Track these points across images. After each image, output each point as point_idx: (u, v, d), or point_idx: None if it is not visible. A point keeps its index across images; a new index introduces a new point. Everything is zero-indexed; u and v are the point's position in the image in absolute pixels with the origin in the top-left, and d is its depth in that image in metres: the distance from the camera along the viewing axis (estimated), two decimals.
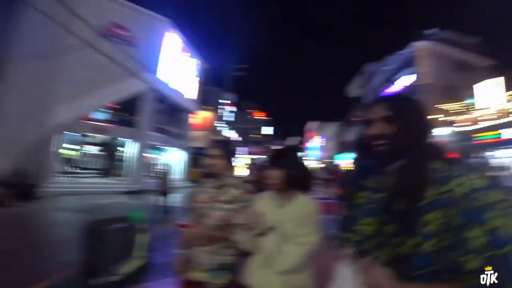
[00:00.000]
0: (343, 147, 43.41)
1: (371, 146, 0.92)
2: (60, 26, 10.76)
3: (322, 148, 60.12)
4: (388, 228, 0.87)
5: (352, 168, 4.65)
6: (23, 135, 13.17)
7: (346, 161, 40.92)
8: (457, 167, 0.84)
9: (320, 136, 61.63)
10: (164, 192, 8.64)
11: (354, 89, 40.83)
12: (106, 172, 16.70)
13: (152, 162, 19.80)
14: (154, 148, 19.18)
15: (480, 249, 0.69)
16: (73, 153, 15.37)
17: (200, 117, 29.96)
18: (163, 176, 9.32)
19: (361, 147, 1.01)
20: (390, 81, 29.57)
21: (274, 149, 2.05)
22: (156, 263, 3.93)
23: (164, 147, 20.35)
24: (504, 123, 13.20)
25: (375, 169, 0.97)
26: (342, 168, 15.15)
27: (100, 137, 16.29)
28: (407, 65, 26.97)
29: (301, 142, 74.12)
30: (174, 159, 22.09)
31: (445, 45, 26.28)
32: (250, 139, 68.87)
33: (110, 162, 17.34)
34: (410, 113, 0.90)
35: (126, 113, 16.60)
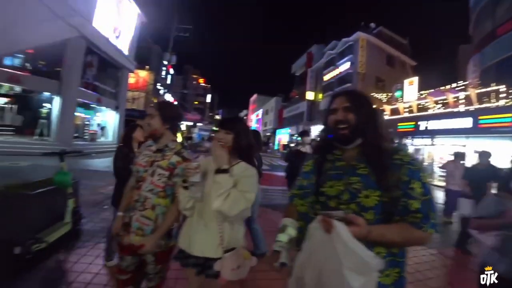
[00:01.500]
0: (282, 122, 45.17)
1: (335, 129, 1.20)
2: None
3: (259, 121, 61.63)
4: (355, 186, 1.13)
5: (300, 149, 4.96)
6: None
7: (283, 135, 42.70)
8: (398, 145, 1.29)
9: (259, 109, 62.69)
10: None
11: (298, 67, 42.21)
12: (21, 129, 14.43)
13: (83, 122, 17.90)
14: (85, 106, 17.23)
15: (419, 195, 1.06)
16: None
17: (138, 76, 27.66)
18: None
19: (326, 129, 1.29)
20: (332, 64, 31.28)
21: (225, 117, 2.05)
22: (84, 229, 3.74)
23: (97, 106, 18.42)
24: (420, 115, 15.45)
25: (333, 147, 1.27)
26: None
27: (12, 86, 13.85)
28: (348, 52, 28.75)
29: (246, 115, 74.78)
30: (110, 120, 20.30)
31: (381, 40, 28.71)
32: (192, 106, 66.64)
33: (26, 118, 14.94)
34: (365, 105, 1.21)
35: (46, 62, 14.30)
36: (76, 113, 15.57)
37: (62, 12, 12.28)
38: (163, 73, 34.14)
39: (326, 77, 32.24)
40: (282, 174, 9.35)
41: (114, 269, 2.41)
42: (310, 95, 34.51)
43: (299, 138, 5.63)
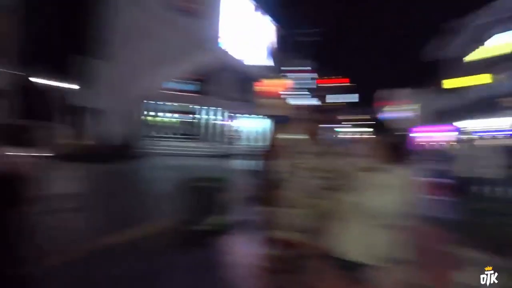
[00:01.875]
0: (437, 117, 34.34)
1: None
2: (137, 7, 11.53)
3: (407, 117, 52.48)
4: None
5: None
6: (118, 105, 15.63)
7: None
8: None
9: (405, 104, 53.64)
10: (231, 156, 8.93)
11: (433, 51, 33.09)
12: (187, 136, 18.47)
13: (230, 128, 20.88)
14: (232, 115, 20.30)
15: None
16: (157, 119, 17.50)
17: (273, 84, 29.59)
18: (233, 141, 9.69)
19: None
20: (479, 40, 23.30)
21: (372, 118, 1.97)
22: (238, 220, 4.30)
23: (241, 115, 21.30)
24: None
25: None
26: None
27: (178, 105, 18.04)
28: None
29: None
30: (252, 126, 22.73)
31: None
32: (327, 107, 65.04)
33: (188, 128, 19.11)
34: None
35: (205, 82, 17.88)
36: (224, 122, 18.61)
37: (202, 40, 14.94)
38: (299, 78, 35.26)
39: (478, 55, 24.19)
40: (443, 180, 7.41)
41: (269, 258, 2.62)
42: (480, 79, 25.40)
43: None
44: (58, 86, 18.26)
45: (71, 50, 15.63)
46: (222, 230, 3.85)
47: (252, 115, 21.99)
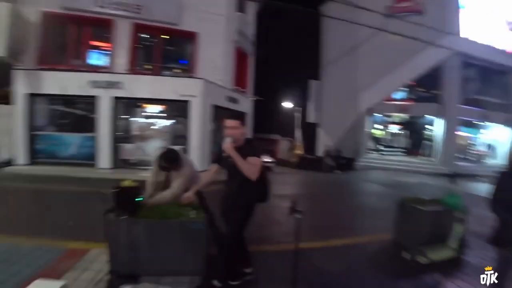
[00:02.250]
0: None
1: None
2: (351, 22, 11.70)
3: None
4: None
5: None
6: (340, 119, 16.78)
7: None
8: None
9: None
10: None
11: None
12: (410, 150, 16.68)
13: (467, 141, 16.93)
14: (469, 124, 16.15)
15: None
16: (379, 132, 16.84)
17: None
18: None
19: None
20: None
21: None
22: (468, 261, 3.41)
23: (483, 123, 16.54)
24: None
25: None
26: None
27: (402, 116, 16.53)
28: None
29: None
30: (501, 138, 17.12)
31: None
32: None
33: (414, 141, 17.13)
34: None
35: (426, 88, 15.47)
36: (458, 133, 15.07)
37: (428, 38, 12.66)
38: None
39: None
40: None
41: None
42: None
43: None
44: (290, 106, 22.64)
45: (297, 73, 18.96)
46: (444, 267, 3.21)
47: (491, 122, 16.42)
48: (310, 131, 20.45)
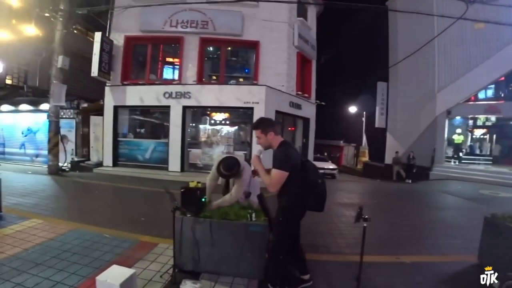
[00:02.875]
0: None
1: None
2: (424, 14, 10.51)
3: None
4: None
5: None
6: (414, 124, 15.26)
7: None
8: None
9: None
10: None
11: None
12: (498, 159, 14.28)
13: None
14: None
15: None
16: (460, 137, 14.65)
17: None
18: None
19: None
20: None
21: None
22: None
23: None
24: None
25: None
26: None
27: (491, 118, 14.34)
28: None
29: None
30: None
31: None
32: None
33: (504, 147, 14.64)
34: None
35: None
36: None
37: None
38: None
39: None
40: None
41: None
42: None
43: None
44: (356, 111, 21.62)
45: (365, 76, 17.92)
46: None
47: None
48: (378, 137, 19.15)
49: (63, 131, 9.94)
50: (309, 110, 12.42)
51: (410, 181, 12.79)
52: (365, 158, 20.28)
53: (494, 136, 15.17)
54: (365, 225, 2.26)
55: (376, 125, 18.51)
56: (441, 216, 6.32)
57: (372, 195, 9.55)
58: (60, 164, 9.46)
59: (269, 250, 2.61)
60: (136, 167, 10.13)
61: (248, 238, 2.65)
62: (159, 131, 10.83)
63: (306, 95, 12.11)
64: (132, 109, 10.67)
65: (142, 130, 11.28)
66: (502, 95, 13.57)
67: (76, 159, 10.50)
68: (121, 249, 3.38)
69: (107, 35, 10.10)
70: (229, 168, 2.92)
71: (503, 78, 13.16)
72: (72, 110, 10.94)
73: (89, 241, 3.55)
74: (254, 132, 2.61)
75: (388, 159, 16.40)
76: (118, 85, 10.19)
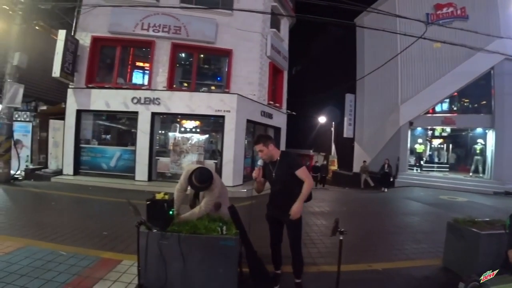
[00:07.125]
0: None
1: None
2: (389, 32, 11.26)
3: None
4: None
5: None
6: (380, 134, 16.02)
7: None
8: None
9: None
10: None
11: None
12: (454, 166, 15.47)
13: None
14: None
15: None
16: (421, 147, 15.72)
17: None
18: None
19: None
20: None
21: None
22: None
23: None
24: None
25: None
26: None
27: (447, 129, 15.52)
28: None
29: None
30: None
31: None
32: None
33: (458, 155, 15.95)
34: None
35: (472, 98, 14.35)
36: None
37: (475, 44, 11.71)
38: None
39: None
40: None
41: None
42: None
43: None
44: (325, 121, 22.25)
45: (333, 88, 18.60)
46: None
47: None
48: (346, 146, 19.87)
49: (17, 136, 9.13)
50: (280, 119, 12.56)
51: (386, 189, 12.49)
52: (334, 167, 20.85)
53: (450, 146, 16.50)
54: (341, 238, 2.25)
55: (345, 135, 19.28)
56: (407, 221, 6.59)
57: (341, 203, 9.78)
58: (12, 172, 8.62)
59: (292, 249, 2.74)
60: (100, 176, 9.47)
61: (219, 252, 2.51)
62: (126, 138, 10.30)
63: (277, 104, 12.26)
64: (97, 113, 10.07)
65: (108, 137, 10.67)
66: (455, 108, 14.75)
67: (31, 166, 9.65)
68: (79, 268, 3.04)
69: (72, 34, 9.50)
70: (203, 180, 2.75)
71: (456, 94, 14.38)
72: (28, 113, 10.11)
73: (41, 260, 3.15)
74: (255, 147, 2.77)
75: (356, 168, 17.04)
76: (83, 88, 9.58)
